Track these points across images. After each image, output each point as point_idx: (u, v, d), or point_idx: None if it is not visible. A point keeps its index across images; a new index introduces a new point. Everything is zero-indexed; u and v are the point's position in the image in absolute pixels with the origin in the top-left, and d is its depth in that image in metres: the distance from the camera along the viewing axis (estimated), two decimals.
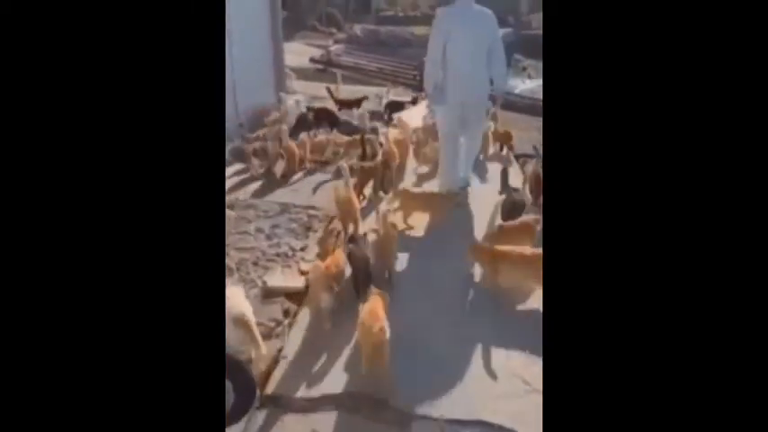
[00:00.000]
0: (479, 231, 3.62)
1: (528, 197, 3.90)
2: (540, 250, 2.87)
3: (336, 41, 15.48)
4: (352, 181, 3.68)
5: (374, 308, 2.36)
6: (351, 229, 3.49)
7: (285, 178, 4.74)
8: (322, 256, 3.09)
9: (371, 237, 3.34)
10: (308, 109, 6.45)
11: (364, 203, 4.12)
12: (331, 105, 6.74)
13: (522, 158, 4.74)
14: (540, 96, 11.61)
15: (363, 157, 4.58)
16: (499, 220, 3.36)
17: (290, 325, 2.68)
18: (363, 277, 2.85)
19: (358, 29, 16.72)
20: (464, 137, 4.19)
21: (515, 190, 3.91)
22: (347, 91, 8.03)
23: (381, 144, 4.72)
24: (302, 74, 10.80)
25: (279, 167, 4.80)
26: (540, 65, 17.22)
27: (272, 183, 4.65)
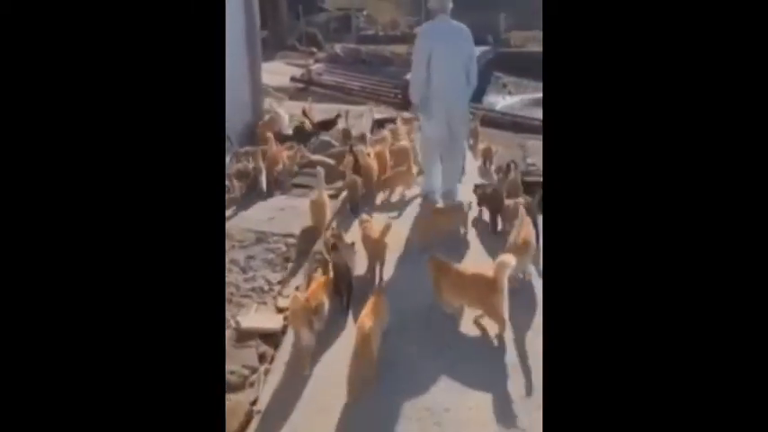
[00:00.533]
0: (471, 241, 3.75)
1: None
2: (482, 271, 2.69)
3: (317, 60, 15.37)
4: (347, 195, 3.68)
5: (370, 306, 2.39)
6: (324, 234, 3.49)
7: (270, 189, 4.65)
8: (303, 285, 2.88)
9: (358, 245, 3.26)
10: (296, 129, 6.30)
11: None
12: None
13: (500, 172, 4.70)
14: (520, 112, 11.68)
15: (356, 168, 4.53)
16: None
17: (267, 372, 2.43)
18: (345, 286, 2.84)
19: (338, 48, 16.66)
20: (448, 149, 4.32)
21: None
22: (329, 110, 7.88)
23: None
24: (283, 93, 10.62)
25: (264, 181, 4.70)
26: (520, 81, 17.44)
27: (247, 207, 4.41)
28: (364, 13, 24.83)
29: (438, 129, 4.19)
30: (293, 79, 12.22)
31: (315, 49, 17.43)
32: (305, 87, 11.77)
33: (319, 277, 2.71)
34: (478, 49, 15.16)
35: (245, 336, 2.64)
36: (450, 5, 4.13)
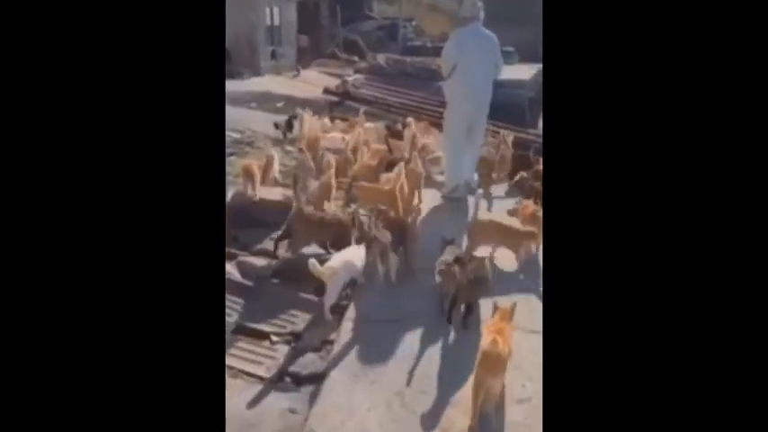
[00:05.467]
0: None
1: None
2: None
3: (357, 71, 14.25)
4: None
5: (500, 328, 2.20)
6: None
7: None
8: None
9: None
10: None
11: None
12: None
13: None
14: None
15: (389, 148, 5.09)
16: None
17: None
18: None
19: (381, 58, 15.52)
20: (468, 145, 4.77)
21: None
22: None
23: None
24: (312, 106, 9.44)
25: None
26: None
27: None
28: (413, 23, 23.68)
29: (459, 120, 4.67)
30: (326, 91, 11.10)
31: (356, 58, 16.34)
32: (339, 101, 10.62)
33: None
34: (535, 67, 13.59)
35: None
36: (482, 15, 4.51)
